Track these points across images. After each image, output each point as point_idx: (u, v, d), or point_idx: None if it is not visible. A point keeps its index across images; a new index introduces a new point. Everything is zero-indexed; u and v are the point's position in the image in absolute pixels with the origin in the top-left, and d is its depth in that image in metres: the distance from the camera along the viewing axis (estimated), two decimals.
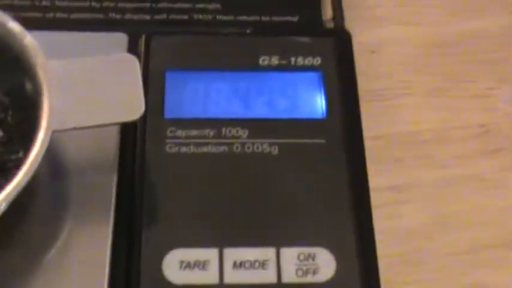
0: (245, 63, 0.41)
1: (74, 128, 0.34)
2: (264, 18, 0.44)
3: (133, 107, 0.35)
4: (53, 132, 0.34)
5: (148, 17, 0.44)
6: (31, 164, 0.33)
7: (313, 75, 0.40)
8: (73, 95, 0.35)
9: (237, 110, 0.39)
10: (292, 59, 0.41)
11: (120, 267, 0.36)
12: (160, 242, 0.36)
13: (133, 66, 0.35)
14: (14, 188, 0.33)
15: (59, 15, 0.43)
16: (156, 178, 0.38)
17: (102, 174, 0.38)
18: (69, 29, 0.41)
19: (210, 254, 0.36)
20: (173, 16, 0.44)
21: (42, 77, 0.35)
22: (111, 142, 0.38)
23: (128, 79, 0.35)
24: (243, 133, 0.39)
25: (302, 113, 0.39)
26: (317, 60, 0.41)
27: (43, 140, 0.34)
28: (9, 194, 0.32)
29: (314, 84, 0.40)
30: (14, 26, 0.36)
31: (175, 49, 0.41)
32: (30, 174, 0.33)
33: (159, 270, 0.35)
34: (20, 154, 0.37)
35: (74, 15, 0.44)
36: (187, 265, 0.36)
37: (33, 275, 0.36)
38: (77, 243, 0.36)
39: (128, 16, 0.44)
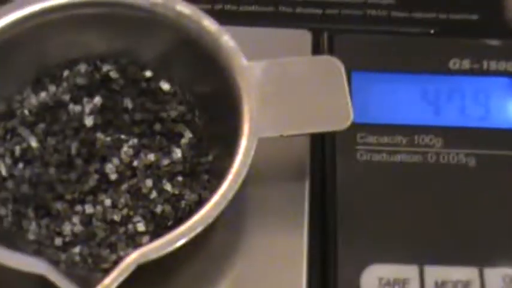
0: (434, 65, 0.39)
1: (280, 136, 0.33)
2: (441, 16, 0.42)
3: (340, 115, 0.33)
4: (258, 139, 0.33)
5: (319, 11, 0.42)
6: (238, 174, 0.32)
7: (509, 81, 0.38)
8: (275, 99, 0.34)
9: (428, 116, 0.38)
10: (485, 63, 0.39)
11: (316, 282, 0.34)
12: (357, 256, 0.34)
13: (339, 70, 0.34)
14: (222, 199, 0.32)
15: (228, 7, 0.42)
16: (349, 188, 0.36)
17: (292, 182, 0.36)
18: (247, 24, 0.39)
19: (410, 271, 0.34)
20: (345, 11, 0.42)
21: (241, 80, 0.34)
22: (300, 147, 0.37)
23: (333, 84, 0.34)
24: (437, 142, 0.37)
25: (499, 122, 0.37)
26: (511, 65, 0.39)
27: (248, 148, 0.32)
28: (218, 205, 0.32)
29: (511, 90, 0.38)
30: (210, 25, 0.35)
31: (359, 48, 0.39)
32: (238, 185, 0.32)
33: (357, 286, 0.34)
34: (210, 157, 0.36)
35: (242, 8, 0.42)
36: (387, 282, 0.34)
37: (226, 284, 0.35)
38: (268, 256, 0.35)
39: (298, 10, 0.42)
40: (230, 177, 0.32)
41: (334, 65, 0.34)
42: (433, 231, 0.35)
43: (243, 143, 0.33)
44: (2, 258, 0.31)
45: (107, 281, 0.31)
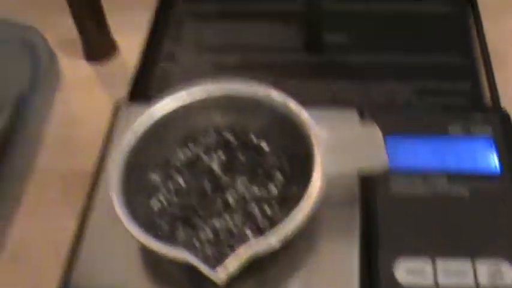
0: (439, 130, 0.45)
1: (339, 176, 0.39)
2: (444, 102, 0.49)
3: (379, 164, 0.39)
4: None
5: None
6: (313, 204, 0.37)
7: (487, 140, 0.44)
8: (334, 153, 0.39)
9: (435, 164, 0.43)
10: (471, 128, 0.44)
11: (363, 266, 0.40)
12: (390, 253, 0.40)
13: (379, 135, 0.39)
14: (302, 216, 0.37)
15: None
16: (385, 209, 0.41)
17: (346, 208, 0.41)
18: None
19: (425, 262, 0.39)
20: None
21: (316, 142, 0.39)
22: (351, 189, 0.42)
23: (374, 144, 0.39)
24: (442, 181, 0.42)
25: (481, 167, 0.43)
26: (489, 129, 0.44)
27: (321, 186, 0.37)
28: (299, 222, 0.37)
29: (488, 146, 0.44)
30: (294, 106, 0.41)
31: (388, 121, 0.44)
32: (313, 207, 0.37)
33: (392, 272, 0.39)
34: (294, 190, 0.40)
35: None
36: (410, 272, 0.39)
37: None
38: (332, 262, 0.39)
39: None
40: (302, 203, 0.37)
41: (375, 132, 0.40)
42: (441, 235, 0.40)
43: (316, 181, 0.38)
44: (159, 248, 0.36)
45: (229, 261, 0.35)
